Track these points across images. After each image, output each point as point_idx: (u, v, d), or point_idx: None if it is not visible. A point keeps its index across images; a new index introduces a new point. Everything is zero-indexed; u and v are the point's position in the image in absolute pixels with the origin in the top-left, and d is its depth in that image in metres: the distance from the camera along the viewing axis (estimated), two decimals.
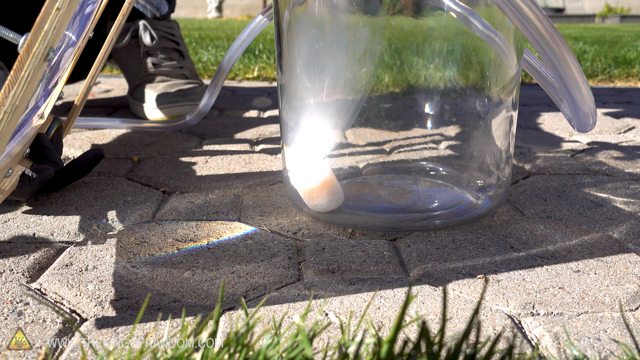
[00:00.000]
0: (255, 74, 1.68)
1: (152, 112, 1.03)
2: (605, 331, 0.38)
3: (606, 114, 1.16)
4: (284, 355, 0.29)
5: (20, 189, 0.55)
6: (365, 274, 0.46)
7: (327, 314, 0.40)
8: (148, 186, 0.67)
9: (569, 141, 0.91)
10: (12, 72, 0.35)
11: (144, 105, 1.04)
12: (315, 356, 0.35)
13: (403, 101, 0.54)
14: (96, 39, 1.19)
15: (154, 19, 1.11)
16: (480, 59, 0.54)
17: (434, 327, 0.39)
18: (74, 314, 0.40)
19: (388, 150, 0.59)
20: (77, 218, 0.57)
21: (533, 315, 0.41)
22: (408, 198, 0.59)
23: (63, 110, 1.15)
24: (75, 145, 0.85)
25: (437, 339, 0.27)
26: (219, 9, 10.44)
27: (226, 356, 0.29)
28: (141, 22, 1.10)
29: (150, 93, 1.03)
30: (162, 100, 1.02)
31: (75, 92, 1.34)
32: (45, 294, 0.43)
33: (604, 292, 0.43)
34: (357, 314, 0.40)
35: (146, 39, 1.09)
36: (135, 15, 1.12)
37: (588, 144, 0.90)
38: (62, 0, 0.35)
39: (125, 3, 0.75)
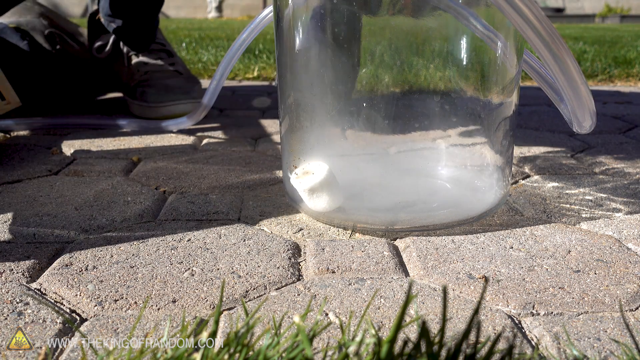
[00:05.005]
0: (255, 74, 1.68)
1: (154, 110, 1.03)
2: (605, 331, 0.38)
3: (606, 114, 1.16)
4: (284, 355, 0.29)
5: None
6: (365, 274, 0.46)
7: (327, 314, 0.40)
8: (148, 186, 0.67)
9: (569, 141, 0.91)
10: None
11: (146, 104, 1.04)
12: (315, 356, 0.35)
13: (403, 101, 0.54)
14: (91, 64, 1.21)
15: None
16: (480, 59, 0.54)
17: (434, 327, 0.39)
18: (74, 314, 0.40)
19: (388, 150, 0.59)
20: (77, 218, 0.57)
21: (533, 315, 0.41)
22: (408, 198, 0.59)
23: None
24: (75, 145, 0.85)
25: (437, 339, 0.27)
26: (219, 9, 10.43)
27: (226, 356, 0.29)
28: None
29: (152, 92, 1.04)
30: (164, 98, 1.02)
31: None
32: (45, 294, 0.43)
33: (604, 292, 0.43)
34: (357, 314, 0.40)
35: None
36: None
37: (588, 144, 0.90)
38: None
39: None
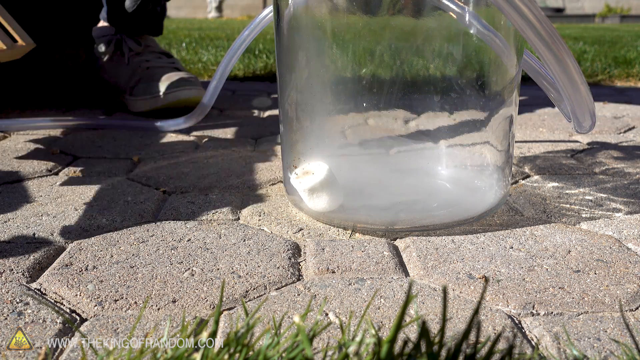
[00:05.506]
0: (256, 74, 1.68)
1: (160, 99, 1.05)
2: (605, 331, 0.38)
3: (606, 114, 1.16)
4: (284, 355, 0.29)
5: None
6: (365, 274, 0.46)
7: (327, 314, 0.40)
8: (148, 186, 0.67)
9: (569, 141, 0.91)
10: None
11: (150, 96, 1.05)
12: (315, 356, 0.35)
13: (403, 101, 0.54)
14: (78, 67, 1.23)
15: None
16: (480, 59, 0.54)
17: (434, 327, 0.39)
18: (74, 314, 0.40)
19: (388, 150, 0.59)
20: (77, 218, 0.57)
21: (533, 315, 0.41)
22: (408, 198, 0.59)
23: None
24: (75, 145, 0.85)
25: (437, 339, 0.27)
26: (219, 9, 10.43)
27: (226, 356, 0.29)
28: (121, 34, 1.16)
29: (155, 85, 1.05)
30: (169, 86, 1.05)
31: None
32: (45, 294, 0.43)
33: (604, 292, 0.43)
34: (357, 314, 0.40)
35: (132, 43, 1.14)
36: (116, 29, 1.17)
37: (588, 144, 0.90)
38: None
39: None
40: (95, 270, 0.46)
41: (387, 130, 0.57)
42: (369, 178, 0.62)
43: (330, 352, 0.35)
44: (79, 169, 0.74)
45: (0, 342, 0.36)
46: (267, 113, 1.15)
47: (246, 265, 0.47)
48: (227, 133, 0.96)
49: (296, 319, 0.28)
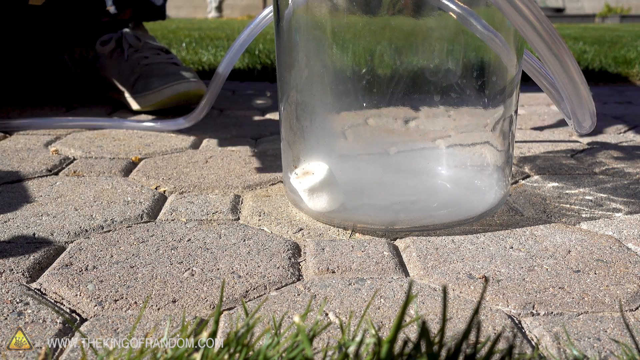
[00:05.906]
0: (256, 73, 1.68)
1: (159, 94, 1.05)
2: (605, 331, 0.38)
3: (606, 114, 1.16)
4: (284, 355, 0.29)
5: None
6: (365, 274, 0.46)
7: (327, 314, 0.40)
8: (148, 186, 0.67)
9: (569, 141, 0.91)
10: None
11: (150, 92, 1.06)
12: (315, 356, 0.35)
13: (403, 101, 0.54)
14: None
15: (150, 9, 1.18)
16: (480, 59, 0.54)
17: (434, 327, 0.39)
18: (74, 314, 0.40)
19: (388, 150, 0.59)
20: (77, 218, 0.57)
21: (533, 315, 0.41)
22: (408, 198, 0.59)
23: None
24: (75, 145, 0.85)
25: (437, 339, 0.27)
26: (219, 9, 10.43)
27: (226, 356, 0.29)
28: (124, 30, 1.19)
29: (154, 80, 1.07)
30: (167, 80, 1.05)
31: None
32: (45, 294, 0.43)
33: (604, 292, 0.43)
34: (357, 314, 0.40)
35: (132, 39, 1.17)
36: (118, 26, 1.19)
37: (588, 144, 0.90)
38: None
39: None
40: (95, 270, 0.46)
41: (387, 130, 0.57)
42: (369, 178, 0.62)
43: (330, 352, 0.35)
44: (79, 169, 0.74)
45: (0, 342, 0.36)
46: (267, 113, 1.15)
47: (246, 265, 0.47)
48: (227, 133, 0.96)
49: (296, 319, 0.28)
